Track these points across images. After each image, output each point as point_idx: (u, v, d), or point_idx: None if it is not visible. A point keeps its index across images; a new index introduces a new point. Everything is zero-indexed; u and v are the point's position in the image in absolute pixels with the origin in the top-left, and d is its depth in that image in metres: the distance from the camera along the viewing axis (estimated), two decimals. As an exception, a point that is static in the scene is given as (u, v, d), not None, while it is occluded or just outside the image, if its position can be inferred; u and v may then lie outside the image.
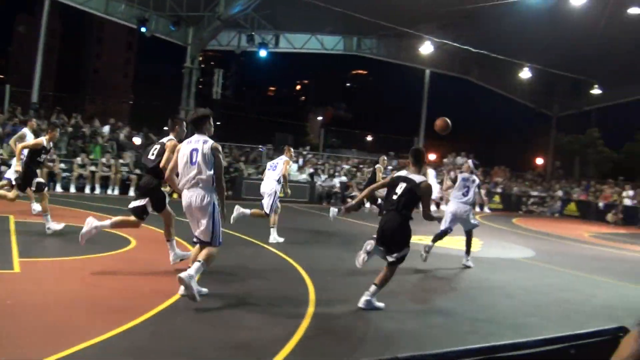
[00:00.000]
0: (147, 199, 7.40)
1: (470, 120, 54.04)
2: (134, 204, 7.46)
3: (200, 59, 29.69)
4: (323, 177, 24.68)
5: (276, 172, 11.16)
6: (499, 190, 30.03)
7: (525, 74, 29.57)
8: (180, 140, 6.99)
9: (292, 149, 12.38)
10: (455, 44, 26.93)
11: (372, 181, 13.41)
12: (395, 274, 6.66)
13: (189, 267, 6.02)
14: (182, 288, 6.05)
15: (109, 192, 18.98)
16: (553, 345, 1.94)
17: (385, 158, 15.77)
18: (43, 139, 10.07)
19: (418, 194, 6.45)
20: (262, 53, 25.62)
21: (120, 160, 19.74)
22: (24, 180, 9.92)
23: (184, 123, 7.75)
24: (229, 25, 25.31)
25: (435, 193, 23.85)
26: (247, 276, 7.77)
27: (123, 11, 24.20)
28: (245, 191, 20.46)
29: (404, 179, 6.55)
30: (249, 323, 5.54)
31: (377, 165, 14.60)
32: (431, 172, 22.96)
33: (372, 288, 6.48)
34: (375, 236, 6.53)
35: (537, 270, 10.52)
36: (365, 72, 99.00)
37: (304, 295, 6.84)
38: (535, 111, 38.03)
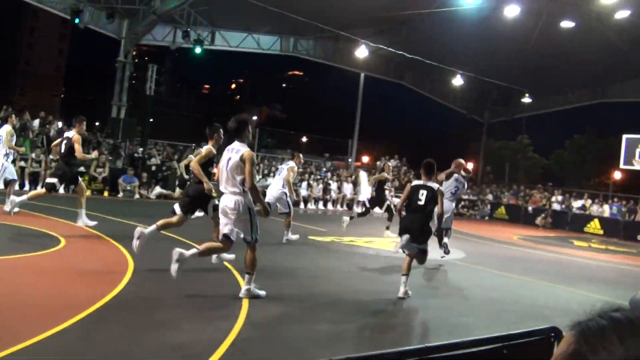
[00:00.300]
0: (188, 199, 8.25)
1: (403, 124, 55.07)
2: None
3: (134, 53, 28.99)
4: (257, 177, 24.55)
5: (281, 177, 11.81)
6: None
7: (457, 81, 30.30)
8: (220, 147, 7.43)
9: (301, 156, 13.01)
10: (390, 49, 27.31)
11: (381, 189, 14.91)
12: (331, 276, 6.72)
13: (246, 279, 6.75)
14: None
15: (39, 188, 18.27)
16: (487, 345, 1.97)
17: (390, 164, 15.93)
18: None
19: (437, 198, 7.81)
20: (198, 50, 25.25)
21: (51, 156, 19.04)
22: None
23: (221, 130, 8.22)
24: (165, 20, 24.83)
25: (367, 194, 24.16)
26: (180, 276, 7.61)
27: (57, 1, 23.33)
28: (178, 191, 20.10)
29: (423, 186, 7.91)
30: (183, 325, 5.44)
31: (383, 173, 15.32)
32: (363, 175, 23.38)
33: (403, 278, 7.65)
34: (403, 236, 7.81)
35: (468, 272, 10.78)
36: (301, 73, 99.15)
37: (238, 295, 6.76)
38: (467, 117, 38.97)
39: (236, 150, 6.61)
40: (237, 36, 28.03)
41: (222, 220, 6.76)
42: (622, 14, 21.31)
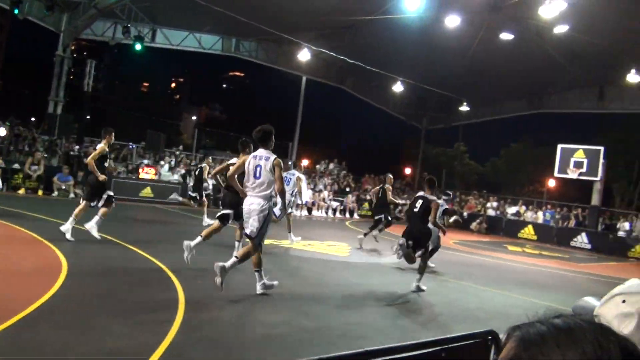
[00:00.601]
0: (232, 211, 9.30)
1: (344, 128, 55.34)
2: (222, 212, 9.44)
3: (73, 48, 28.11)
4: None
5: (289, 187, 12.50)
6: (368, 197, 30.90)
7: (398, 87, 30.72)
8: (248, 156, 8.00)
9: (302, 166, 13.72)
10: (332, 53, 27.44)
11: (384, 200, 14.81)
12: (272, 280, 6.70)
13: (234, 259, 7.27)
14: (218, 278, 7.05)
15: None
16: (425, 349, 1.95)
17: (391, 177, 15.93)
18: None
19: (429, 207, 9.19)
20: (138, 47, 24.67)
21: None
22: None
23: (252, 145, 9.39)
24: (105, 15, 24.22)
25: (307, 197, 24.28)
26: (114, 279, 7.40)
27: (-3, -10, 22.35)
28: (114, 190, 19.57)
29: (422, 197, 9.42)
30: (118, 329, 5.27)
31: (387, 185, 15.06)
32: (302, 178, 23.31)
33: (417, 277, 9.32)
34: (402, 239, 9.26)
35: (404, 276, 10.86)
36: (242, 74, 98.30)
37: (173, 298, 6.62)
38: (406, 123, 39.54)
39: (265, 157, 7.38)
40: (178, 34, 27.62)
41: (247, 221, 7.51)
42: (561, 29, 21.92)
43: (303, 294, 8.16)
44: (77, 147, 21.92)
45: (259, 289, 7.43)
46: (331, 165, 32.23)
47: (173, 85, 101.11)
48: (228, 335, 5.63)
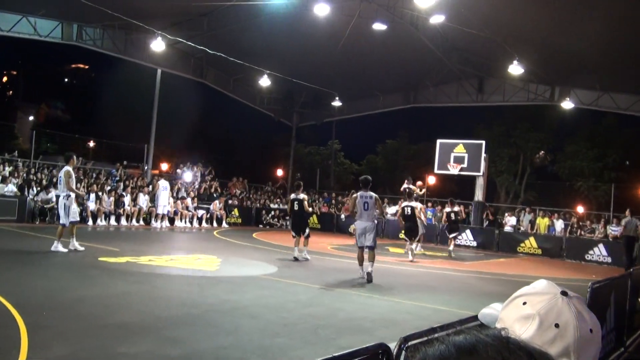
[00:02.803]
0: None
1: (207, 127, 54.56)
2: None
3: None
4: (36, 189, 22.69)
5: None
6: (237, 202, 30.71)
7: (264, 81, 30.50)
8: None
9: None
10: (189, 43, 26.92)
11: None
12: (128, 303, 6.31)
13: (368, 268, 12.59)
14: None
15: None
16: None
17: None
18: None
19: (415, 212, 18.65)
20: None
21: None
22: None
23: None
24: None
25: (167, 205, 23.85)
26: None
27: None
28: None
29: (408, 205, 18.91)
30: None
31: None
32: (162, 184, 23.40)
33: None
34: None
35: (280, 287, 10.81)
36: (86, 67, 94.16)
37: (13, 337, 6.06)
38: (275, 120, 39.66)
39: (369, 196, 12.91)
40: (8, 18, 25.59)
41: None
42: (437, 19, 22.61)
43: (167, 317, 7.82)
44: None
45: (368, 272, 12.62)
46: (195, 169, 31.63)
47: (4, 79, 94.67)
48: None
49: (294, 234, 16.32)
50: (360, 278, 12.70)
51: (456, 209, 22.97)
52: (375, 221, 13.22)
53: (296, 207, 16.45)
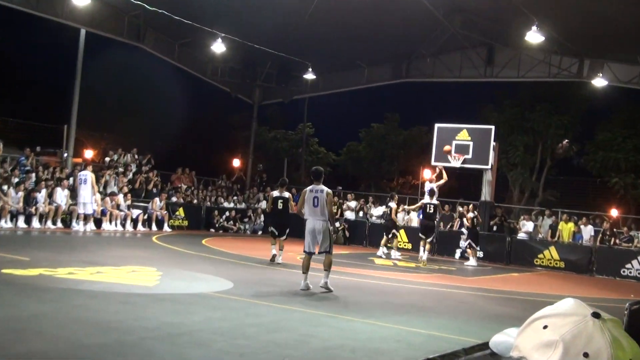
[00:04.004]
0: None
1: (144, 105, 54.02)
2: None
3: None
4: None
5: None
6: (182, 201, 30.54)
7: (218, 47, 30.23)
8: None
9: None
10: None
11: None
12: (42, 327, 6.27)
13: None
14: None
15: None
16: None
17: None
18: None
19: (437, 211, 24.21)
20: None
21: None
22: None
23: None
24: None
25: (94, 205, 23.73)
26: None
27: None
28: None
29: (431, 203, 22.88)
30: None
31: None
32: (83, 175, 23.41)
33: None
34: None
35: (237, 307, 10.80)
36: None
37: None
38: (231, 97, 39.42)
39: (321, 190, 13.47)
40: None
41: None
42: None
43: (91, 345, 7.75)
44: None
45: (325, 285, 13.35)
46: (128, 157, 31.38)
47: None
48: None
49: (275, 233, 18.48)
50: (302, 290, 13.04)
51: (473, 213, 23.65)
52: (328, 221, 13.58)
53: (280, 205, 18.65)
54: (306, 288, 13.15)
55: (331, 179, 40.88)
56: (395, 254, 23.39)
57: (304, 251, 13.62)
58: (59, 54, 38.68)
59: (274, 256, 18.33)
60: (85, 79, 30.82)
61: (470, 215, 23.59)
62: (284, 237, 18.51)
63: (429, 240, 22.53)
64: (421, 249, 22.78)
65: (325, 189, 13.52)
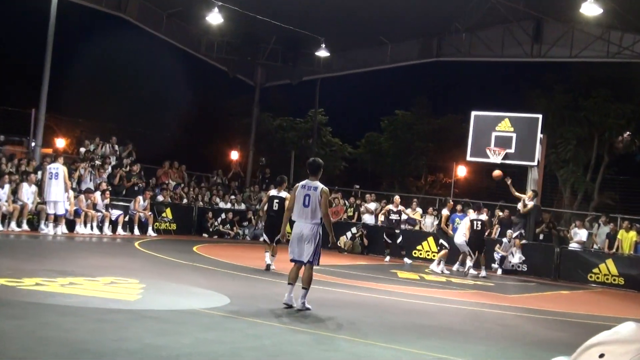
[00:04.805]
0: None
1: (127, 86, 54.04)
2: None
3: None
4: None
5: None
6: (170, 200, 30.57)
7: (214, 17, 30.23)
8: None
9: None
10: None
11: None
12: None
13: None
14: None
15: None
16: None
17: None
18: None
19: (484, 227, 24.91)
20: None
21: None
22: None
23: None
24: None
25: (66, 204, 23.84)
26: None
27: None
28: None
29: (478, 220, 23.62)
30: None
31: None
32: (53, 168, 23.72)
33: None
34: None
35: (234, 327, 10.79)
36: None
37: None
38: (229, 77, 39.44)
39: (314, 187, 12.96)
40: None
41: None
42: None
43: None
44: None
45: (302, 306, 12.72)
46: (106, 148, 31.43)
47: None
48: None
49: (267, 240, 18.97)
50: (284, 305, 12.86)
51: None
52: (320, 226, 13.25)
53: (276, 206, 18.83)
54: (289, 304, 12.85)
55: (347, 176, 40.90)
56: (437, 267, 23.55)
57: (290, 259, 13.46)
58: (26, 25, 38.77)
59: (268, 265, 18.75)
60: (58, 56, 30.92)
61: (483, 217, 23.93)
62: (275, 242, 18.69)
63: (480, 253, 23.69)
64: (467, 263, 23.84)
65: (321, 186, 13.06)
